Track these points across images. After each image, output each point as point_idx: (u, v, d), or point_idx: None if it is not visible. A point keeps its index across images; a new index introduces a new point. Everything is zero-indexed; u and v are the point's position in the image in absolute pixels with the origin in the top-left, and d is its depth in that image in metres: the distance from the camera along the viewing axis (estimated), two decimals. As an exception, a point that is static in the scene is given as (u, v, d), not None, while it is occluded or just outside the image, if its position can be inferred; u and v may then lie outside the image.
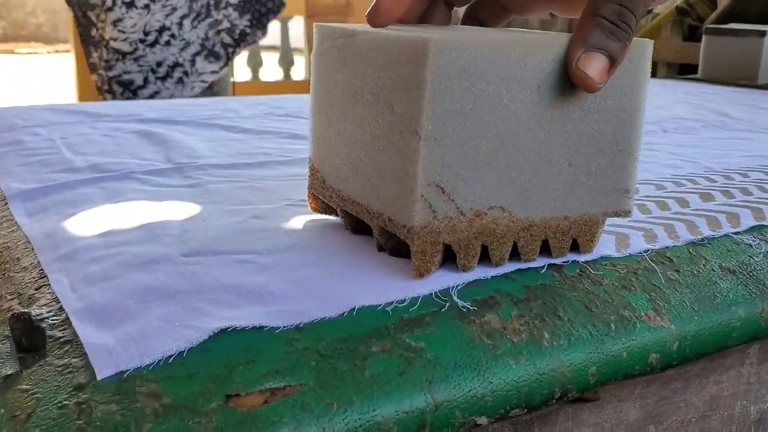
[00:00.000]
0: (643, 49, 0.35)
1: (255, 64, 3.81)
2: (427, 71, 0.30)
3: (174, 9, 1.76)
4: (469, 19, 0.43)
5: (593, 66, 0.32)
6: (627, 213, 0.37)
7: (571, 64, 0.32)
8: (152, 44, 1.75)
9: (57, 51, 7.68)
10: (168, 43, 1.77)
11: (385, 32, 0.33)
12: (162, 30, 1.75)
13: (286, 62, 3.88)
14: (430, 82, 0.30)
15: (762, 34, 1.21)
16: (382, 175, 0.33)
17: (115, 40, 1.72)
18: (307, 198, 0.41)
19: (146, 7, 1.73)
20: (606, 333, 0.32)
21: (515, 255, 0.35)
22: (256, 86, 3.79)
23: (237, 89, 3.53)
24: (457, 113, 0.31)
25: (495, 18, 0.42)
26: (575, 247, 0.37)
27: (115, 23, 1.71)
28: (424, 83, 0.30)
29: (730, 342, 0.35)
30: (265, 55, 3.89)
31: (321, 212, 0.41)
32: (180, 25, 1.78)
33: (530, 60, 0.32)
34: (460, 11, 0.44)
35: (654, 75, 1.91)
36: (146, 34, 1.73)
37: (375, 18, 0.35)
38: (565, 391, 0.30)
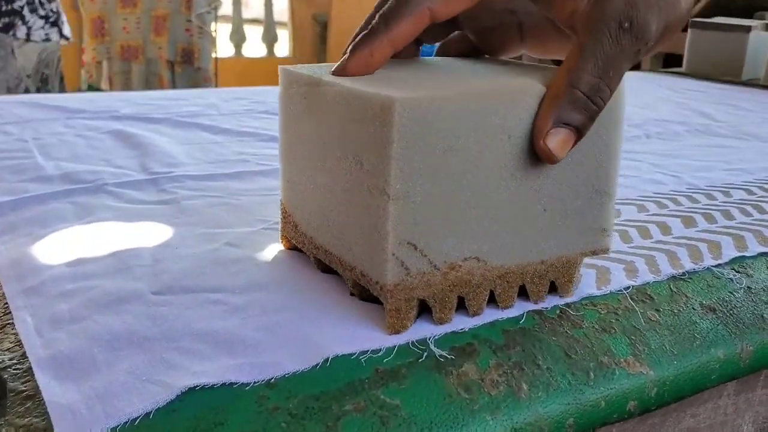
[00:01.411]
0: (618, 89, 0.33)
1: (238, 39, 3.75)
2: (394, 131, 0.29)
3: None
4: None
5: (558, 141, 0.31)
6: (605, 251, 0.36)
7: (539, 140, 0.31)
8: None
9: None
10: None
11: (349, 84, 0.32)
12: None
13: (270, 38, 3.83)
14: (397, 142, 0.29)
15: (747, 29, 1.20)
16: (353, 230, 0.32)
17: None
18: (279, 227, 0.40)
19: None
20: (584, 382, 0.31)
21: (492, 301, 0.34)
22: (239, 62, 3.74)
23: (220, 65, 3.49)
24: (426, 170, 0.30)
25: (467, 57, 0.41)
26: (553, 288, 0.36)
27: None
28: (390, 142, 0.29)
29: (708, 384, 0.35)
30: (248, 29, 3.83)
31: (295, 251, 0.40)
32: None
33: (500, 110, 0.31)
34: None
35: (638, 67, 1.90)
36: None
37: (342, 75, 0.34)
38: (542, 443, 0.30)
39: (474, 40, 0.41)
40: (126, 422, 0.26)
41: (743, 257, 0.43)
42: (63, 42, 1.78)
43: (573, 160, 0.33)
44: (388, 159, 0.29)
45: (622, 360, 0.33)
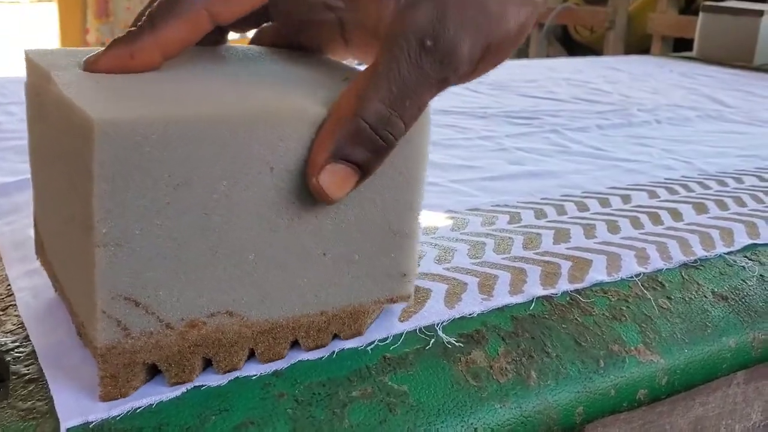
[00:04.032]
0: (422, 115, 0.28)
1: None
2: (94, 162, 0.22)
3: None
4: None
5: (335, 179, 0.25)
6: (405, 298, 0.30)
7: (312, 176, 0.25)
8: None
9: (39, 0, 7.51)
10: None
11: (71, 88, 0.25)
12: None
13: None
14: (98, 177, 0.22)
15: (760, 13, 1.18)
16: (74, 272, 0.26)
17: None
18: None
19: None
20: (594, 370, 0.31)
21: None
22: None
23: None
24: (149, 210, 0.23)
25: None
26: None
27: None
28: (91, 177, 0.22)
29: (719, 373, 0.35)
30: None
31: None
32: None
33: (255, 137, 0.24)
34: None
35: (647, 50, 1.88)
36: None
37: (92, 69, 0.28)
38: (551, 432, 0.29)
39: (290, 35, 0.35)
40: (128, 411, 0.25)
41: (755, 245, 0.42)
42: None
43: (362, 197, 0.27)
44: (89, 197, 0.23)
45: (632, 348, 0.33)
